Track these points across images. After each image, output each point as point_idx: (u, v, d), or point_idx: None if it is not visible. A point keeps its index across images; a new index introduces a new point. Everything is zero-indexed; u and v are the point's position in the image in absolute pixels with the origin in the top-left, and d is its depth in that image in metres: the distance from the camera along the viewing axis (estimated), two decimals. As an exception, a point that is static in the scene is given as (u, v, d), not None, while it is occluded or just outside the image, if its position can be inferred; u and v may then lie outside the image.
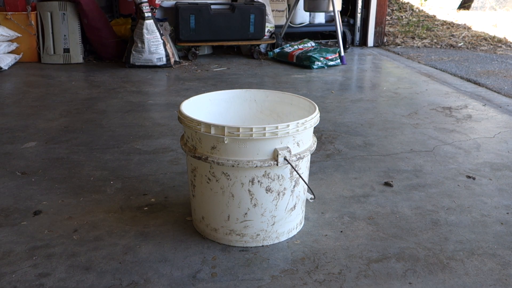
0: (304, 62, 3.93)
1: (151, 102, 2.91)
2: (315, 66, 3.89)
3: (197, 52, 4.20)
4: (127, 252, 1.37)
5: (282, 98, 1.59)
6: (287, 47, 4.21)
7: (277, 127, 1.26)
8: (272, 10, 4.62)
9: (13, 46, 3.84)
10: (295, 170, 1.33)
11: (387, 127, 2.46)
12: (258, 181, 1.32)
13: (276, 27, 4.55)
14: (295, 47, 4.18)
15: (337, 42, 4.16)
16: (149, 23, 3.71)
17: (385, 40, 5.17)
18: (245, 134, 1.25)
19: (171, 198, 1.69)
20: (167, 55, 3.82)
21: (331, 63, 3.99)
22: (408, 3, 7.17)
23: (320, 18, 4.98)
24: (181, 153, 2.08)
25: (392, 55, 4.61)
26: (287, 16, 4.68)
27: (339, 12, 4.22)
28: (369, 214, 1.59)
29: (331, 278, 1.27)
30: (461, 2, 8.33)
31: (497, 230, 1.51)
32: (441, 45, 5.14)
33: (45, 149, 2.13)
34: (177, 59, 4.05)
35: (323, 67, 3.94)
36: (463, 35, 5.54)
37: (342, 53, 4.09)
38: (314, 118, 1.36)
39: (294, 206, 1.42)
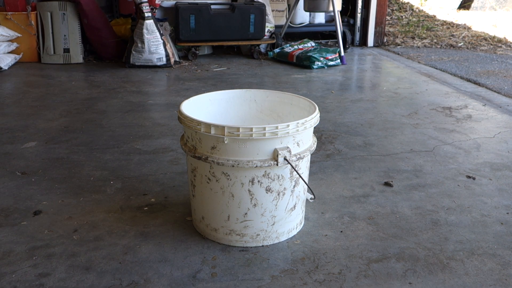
0: (304, 62, 3.93)
1: (151, 102, 2.91)
2: (315, 66, 3.89)
3: (197, 52, 4.20)
4: (127, 252, 1.37)
5: (282, 98, 1.59)
6: (287, 47, 4.21)
7: (277, 127, 1.26)
8: (272, 10, 4.62)
9: (13, 46, 3.84)
10: (295, 170, 1.33)
11: (387, 127, 2.46)
12: (258, 181, 1.32)
13: (276, 27, 4.55)
14: (295, 47, 4.18)
15: (337, 42, 4.16)
16: (149, 23, 3.71)
17: (385, 40, 5.17)
18: (245, 134, 1.25)
19: (171, 198, 1.69)
20: (167, 55, 3.82)
21: (331, 63, 3.99)
22: (408, 3, 7.17)
23: (320, 18, 4.98)
24: (181, 153, 2.08)
25: (392, 55, 4.61)
26: (287, 16, 4.68)
27: (339, 12, 4.22)
28: (369, 214, 1.59)
29: (331, 278, 1.27)
30: (461, 2, 8.33)
31: (497, 230, 1.51)
32: (441, 45, 5.14)
33: (45, 149, 2.13)
34: (177, 59, 4.05)
35: (323, 67, 3.94)
36: (463, 35, 5.54)
37: (342, 53, 4.09)
38: (314, 118, 1.36)
39: (294, 206, 1.42)
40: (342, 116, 2.64)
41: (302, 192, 1.44)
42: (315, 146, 1.43)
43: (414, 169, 1.95)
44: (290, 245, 1.41)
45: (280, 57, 4.17)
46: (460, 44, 5.15)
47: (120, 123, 2.48)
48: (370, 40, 5.01)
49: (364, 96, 3.10)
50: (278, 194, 1.36)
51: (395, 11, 6.75)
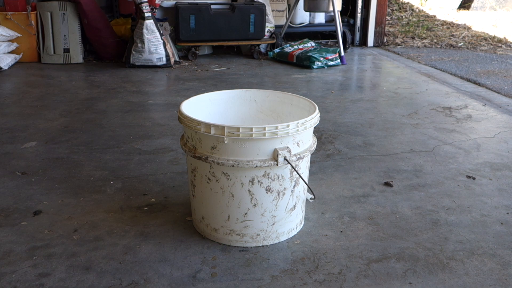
0: (304, 62, 3.93)
1: (151, 102, 2.91)
2: (315, 66, 3.89)
3: (197, 52, 4.20)
4: (127, 252, 1.37)
5: (282, 98, 1.59)
6: (287, 47, 4.21)
7: (277, 127, 1.26)
8: (272, 10, 4.62)
9: (13, 46, 3.85)
10: (295, 170, 1.33)
11: (387, 127, 2.46)
12: (258, 181, 1.32)
13: (276, 27, 4.55)
14: (295, 47, 4.18)
15: (337, 42, 4.17)
16: (149, 23, 3.71)
17: (385, 40, 5.17)
18: (245, 134, 1.25)
19: (171, 198, 1.69)
20: (167, 55, 3.82)
21: (331, 63, 3.99)
22: (408, 3, 7.17)
23: (320, 18, 4.98)
24: (181, 153, 2.08)
25: (392, 55, 4.61)
26: (287, 16, 4.68)
27: (339, 12, 4.22)
28: (369, 214, 1.59)
29: (331, 278, 1.27)
30: (461, 2, 8.34)
31: (497, 230, 1.51)
32: (441, 45, 5.14)
33: (45, 149, 2.13)
34: (177, 59, 4.05)
35: (323, 67, 3.94)
36: (463, 35, 5.54)
37: (342, 53, 4.09)
38: (314, 118, 1.36)
39: (294, 206, 1.42)
40: (342, 116, 2.64)
41: (302, 192, 1.44)
42: (315, 146, 1.43)
43: (414, 169, 1.95)
44: (290, 245, 1.41)
45: (280, 57, 4.17)
46: (460, 44, 5.15)
47: (120, 123, 2.48)
48: (370, 40, 5.02)
49: (364, 96, 3.10)
50: (278, 194, 1.36)
51: (395, 11, 6.75)
